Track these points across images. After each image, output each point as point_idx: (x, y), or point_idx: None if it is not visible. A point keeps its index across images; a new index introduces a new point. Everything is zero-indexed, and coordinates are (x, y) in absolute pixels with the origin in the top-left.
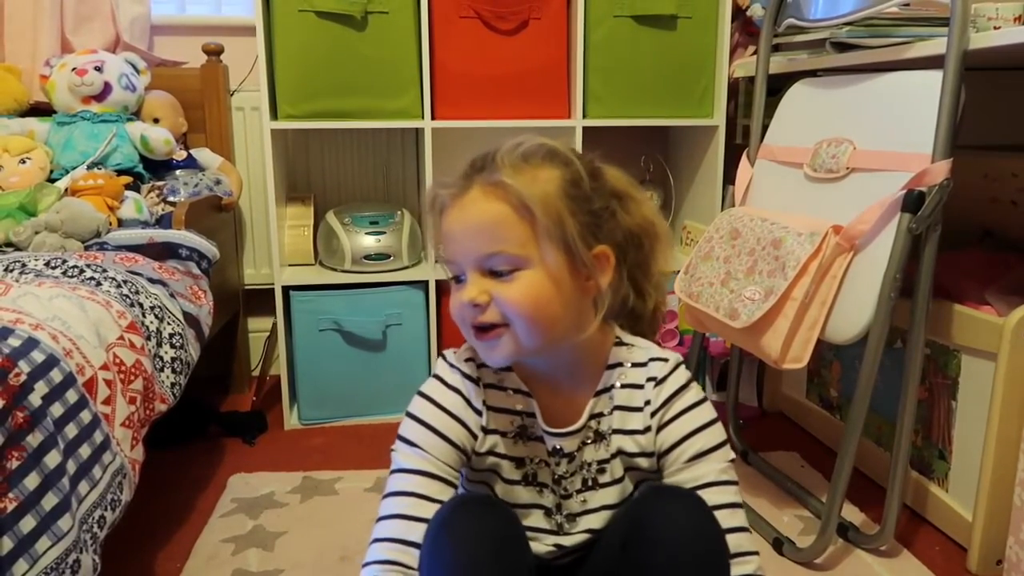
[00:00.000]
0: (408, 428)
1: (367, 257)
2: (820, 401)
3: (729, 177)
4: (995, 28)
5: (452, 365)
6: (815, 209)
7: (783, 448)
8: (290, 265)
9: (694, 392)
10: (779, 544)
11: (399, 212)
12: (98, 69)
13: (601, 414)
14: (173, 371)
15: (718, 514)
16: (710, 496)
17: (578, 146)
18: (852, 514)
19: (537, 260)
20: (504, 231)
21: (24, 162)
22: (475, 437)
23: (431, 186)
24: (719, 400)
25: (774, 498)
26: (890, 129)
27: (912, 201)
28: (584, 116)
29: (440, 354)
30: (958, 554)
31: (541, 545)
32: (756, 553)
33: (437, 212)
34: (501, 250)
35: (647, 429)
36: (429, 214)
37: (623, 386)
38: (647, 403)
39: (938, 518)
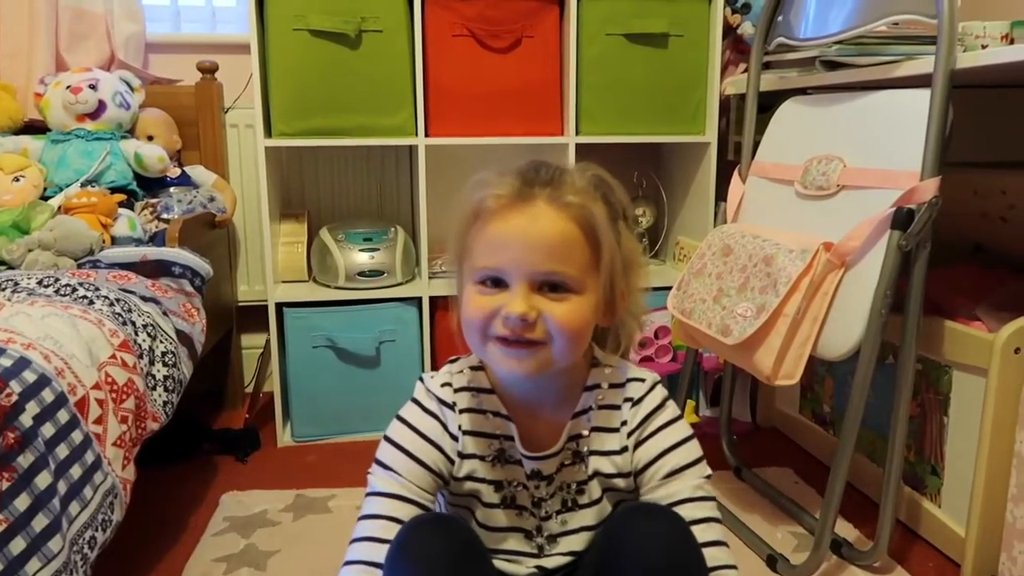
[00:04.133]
0: (384, 452)
1: (361, 274)
2: (813, 416)
3: (721, 193)
4: (983, 46)
5: (429, 390)
6: (806, 226)
7: (777, 464)
8: (284, 282)
9: (670, 411)
10: (773, 561)
11: (393, 229)
12: (92, 87)
13: (579, 435)
14: (166, 389)
15: (694, 529)
16: (686, 512)
17: (571, 163)
18: (846, 530)
19: (590, 287)
20: (571, 253)
21: (18, 180)
22: (452, 462)
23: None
24: (713, 415)
25: (768, 514)
26: (880, 147)
27: (902, 218)
28: (577, 133)
29: (419, 377)
30: (952, 570)
31: (523, 568)
32: (734, 567)
33: (479, 214)
34: (564, 271)
35: (624, 449)
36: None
37: (600, 407)
38: (623, 423)
39: (931, 534)
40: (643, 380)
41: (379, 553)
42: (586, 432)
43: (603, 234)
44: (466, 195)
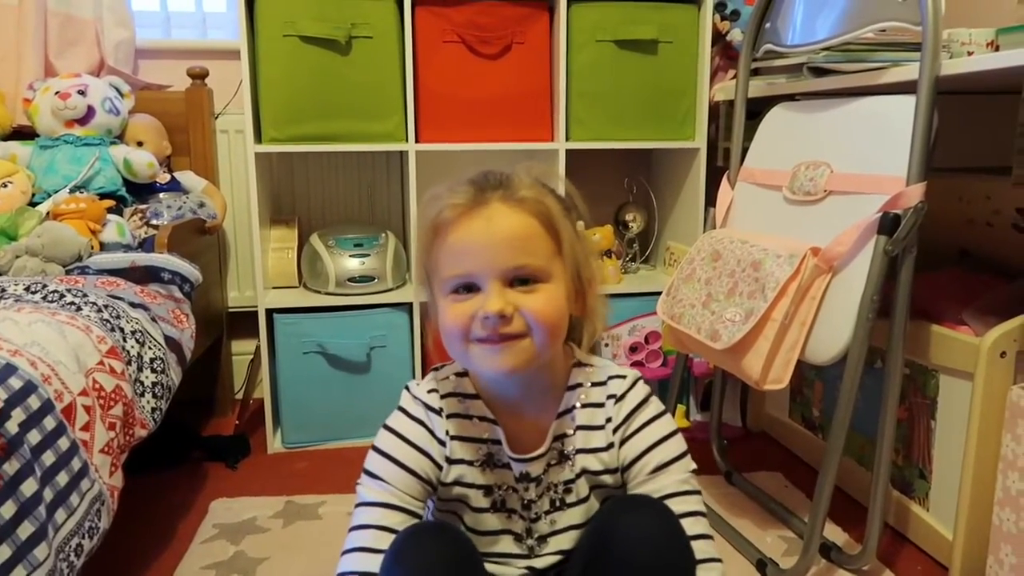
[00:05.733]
0: (372, 461)
1: (351, 279)
2: (803, 421)
3: (711, 199)
4: (968, 53)
5: (415, 397)
6: (794, 231)
7: (767, 468)
8: (274, 288)
9: (653, 406)
10: (762, 565)
11: (383, 234)
12: (81, 93)
13: (564, 435)
14: (154, 396)
15: (680, 523)
16: (672, 506)
17: (561, 169)
18: (835, 534)
19: (557, 275)
20: (533, 244)
21: (5, 186)
22: (440, 468)
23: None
24: (703, 420)
25: (757, 519)
26: (866, 152)
27: (888, 223)
28: (567, 139)
29: (405, 385)
30: (940, 573)
31: (513, 570)
32: (719, 560)
33: (438, 227)
34: (530, 262)
35: (610, 446)
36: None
37: (584, 406)
38: (608, 420)
39: (920, 537)
40: (624, 377)
41: (372, 563)
42: (571, 431)
43: (560, 222)
44: (421, 213)
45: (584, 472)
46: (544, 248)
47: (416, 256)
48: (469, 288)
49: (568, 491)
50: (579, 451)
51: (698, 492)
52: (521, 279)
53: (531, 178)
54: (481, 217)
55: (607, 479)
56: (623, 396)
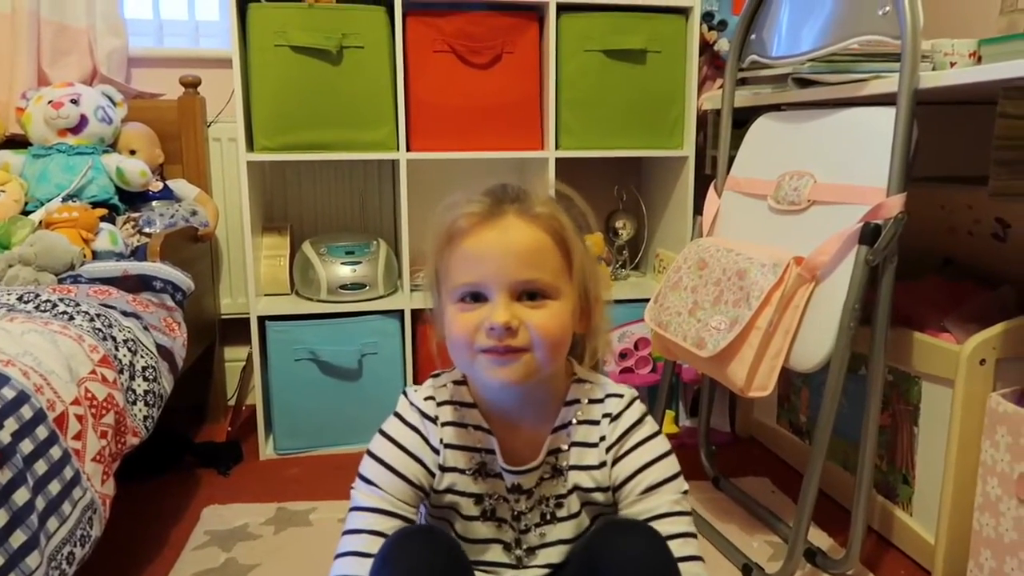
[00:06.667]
0: (367, 466)
1: (343, 287)
2: (790, 426)
3: (699, 207)
4: (951, 64)
5: (412, 403)
6: (779, 240)
7: (754, 473)
8: (266, 295)
9: (648, 426)
10: (748, 570)
11: (375, 242)
12: (74, 102)
13: (559, 450)
14: (146, 404)
15: (671, 544)
16: (663, 527)
17: (551, 177)
18: (820, 539)
19: (565, 292)
20: (545, 259)
21: None
22: (432, 475)
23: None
24: (692, 426)
25: (744, 524)
26: (848, 163)
27: (869, 234)
28: (557, 148)
29: (403, 391)
30: None
31: None
32: None
33: (452, 235)
34: (540, 277)
35: (602, 464)
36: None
37: (580, 422)
38: (602, 439)
39: (903, 542)
40: (621, 396)
41: (364, 567)
42: (565, 447)
43: (572, 241)
44: (437, 220)
45: (576, 488)
46: (555, 265)
47: (427, 262)
48: (477, 297)
49: (560, 505)
50: (572, 467)
51: (689, 513)
52: (529, 293)
53: (548, 195)
54: (496, 228)
55: (598, 497)
56: (618, 416)
